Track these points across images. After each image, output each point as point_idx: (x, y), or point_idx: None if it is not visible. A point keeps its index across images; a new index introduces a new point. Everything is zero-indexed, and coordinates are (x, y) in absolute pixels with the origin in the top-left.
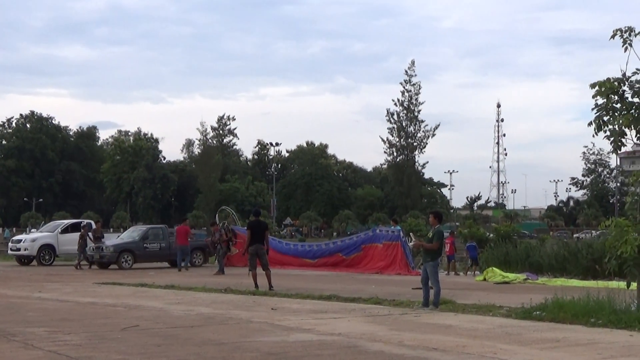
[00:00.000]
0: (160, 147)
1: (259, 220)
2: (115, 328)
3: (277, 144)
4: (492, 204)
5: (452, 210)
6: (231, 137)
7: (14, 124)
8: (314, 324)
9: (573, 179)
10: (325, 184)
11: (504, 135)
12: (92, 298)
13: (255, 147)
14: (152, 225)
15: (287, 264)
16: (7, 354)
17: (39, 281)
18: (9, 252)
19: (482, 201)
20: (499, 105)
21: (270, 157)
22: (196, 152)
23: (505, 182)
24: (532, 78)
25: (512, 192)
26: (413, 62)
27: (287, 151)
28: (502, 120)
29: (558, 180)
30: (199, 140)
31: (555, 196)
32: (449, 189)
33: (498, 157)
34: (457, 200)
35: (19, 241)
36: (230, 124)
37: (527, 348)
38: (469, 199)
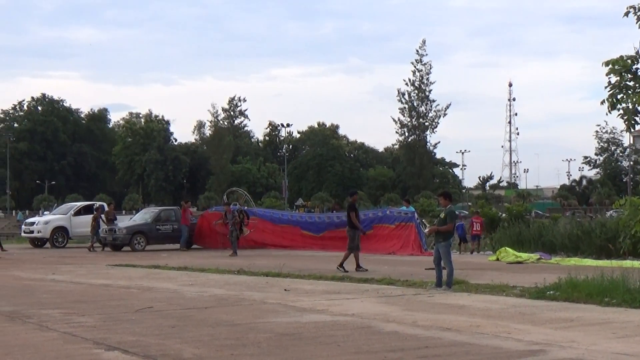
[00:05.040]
0: (171, 128)
1: (349, 201)
2: (129, 310)
3: (288, 125)
4: (504, 183)
5: (464, 190)
6: (242, 118)
7: (25, 107)
8: (327, 305)
9: (586, 157)
10: (336, 165)
11: (516, 114)
12: (106, 280)
13: (267, 129)
14: (164, 207)
15: (288, 238)
16: (22, 336)
17: (52, 263)
18: (23, 234)
19: (494, 181)
20: (510, 85)
21: (282, 138)
22: (207, 134)
23: (517, 161)
24: (544, 57)
25: (524, 172)
26: (424, 42)
27: (299, 132)
28: (514, 99)
29: (571, 159)
30: (210, 122)
31: (568, 175)
32: (461, 168)
33: (510, 137)
34: (469, 180)
35: (32, 224)
36: (241, 105)
37: (541, 328)
38: (481, 179)
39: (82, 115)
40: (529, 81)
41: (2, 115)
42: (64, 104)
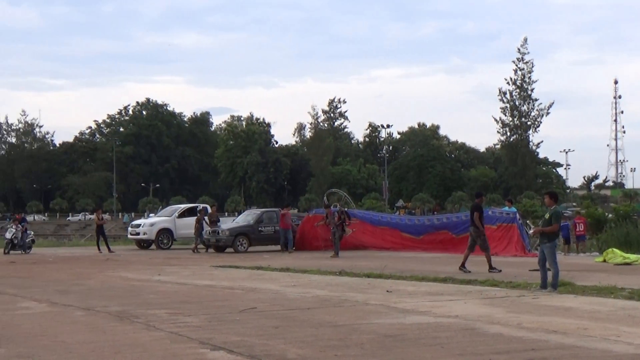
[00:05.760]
0: (272, 131)
1: (475, 202)
2: (233, 310)
3: (388, 126)
4: (610, 183)
5: (568, 191)
6: (342, 119)
7: (130, 112)
8: (430, 306)
9: None
10: (437, 166)
11: (622, 112)
12: (210, 281)
13: (367, 130)
14: (266, 209)
15: (388, 240)
16: (130, 335)
17: (158, 264)
18: (129, 236)
19: (599, 180)
20: (616, 82)
21: (382, 139)
22: (308, 136)
23: (623, 160)
24: None
25: (631, 171)
26: (525, 40)
27: (399, 133)
28: (620, 96)
29: None
30: (311, 124)
31: None
32: (565, 168)
33: (616, 135)
34: (574, 180)
35: (138, 226)
36: (341, 106)
37: None
38: (586, 179)
39: (185, 119)
40: (635, 78)
41: (108, 120)
42: (168, 108)
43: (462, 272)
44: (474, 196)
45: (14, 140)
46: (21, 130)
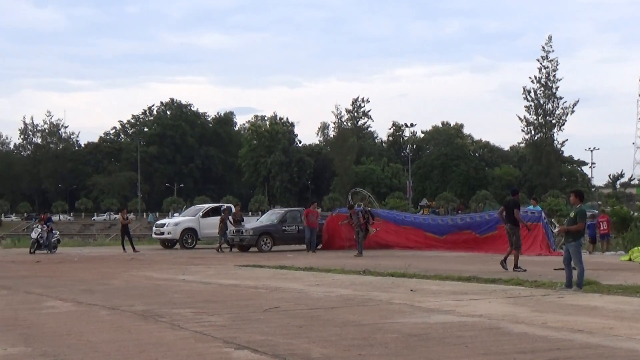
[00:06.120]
0: (295, 130)
1: (511, 199)
2: (257, 309)
3: (412, 125)
4: (635, 181)
5: (593, 189)
6: (366, 119)
7: (155, 112)
8: (454, 306)
9: None
10: (461, 164)
11: None
12: (234, 280)
13: (390, 129)
14: (290, 208)
15: (412, 239)
16: (155, 334)
17: (182, 264)
18: (153, 236)
19: (625, 179)
20: None
21: (405, 138)
22: (331, 135)
23: None
24: None
25: None
26: (550, 38)
27: (422, 132)
28: None
29: None
30: (334, 123)
31: None
32: (590, 167)
33: None
34: (599, 178)
35: (163, 225)
36: (364, 106)
37: None
38: (611, 177)
39: (209, 119)
40: None
41: (133, 120)
42: (192, 108)
43: (519, 271)
44: (509, 193)
45: (39, 140)
46: (47, 130)
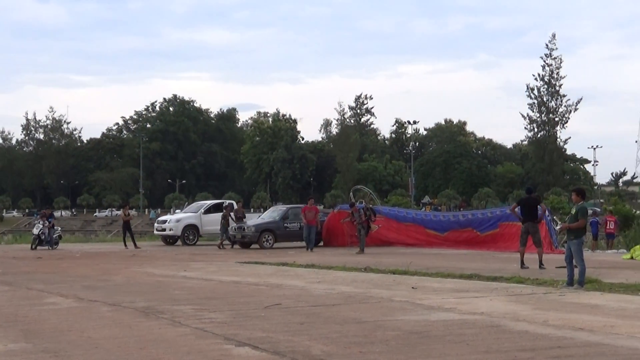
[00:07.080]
0: (298, 127)
1: (530, 196)
2: (258, 306)
3: (414, 122)
4: (638, 179)
5: (596, 187)
6: (368, 116)
7: (157, 108)
8: (455, 303)
9: None
10: (464, 162)
11: None
12: (235, 277)
13: (393, 126)
14: (292, 205)
15: (413, 236)
16: (156, 331)
17: (183, 260)
18: (155, 232)
19: (627, 177)
20: None
21: (408, 135)
22: (334, 132)
23: None
24: None
25: None
26: (554, 36)
27: (425, 129)
28: None
29: None
30: (337, 120)
31: None
32: (593, 165)
33: None
34: (602, 176)
35: (164, 222)
36: (367, 103)
37: None
38: (613, 175)
39: (212, 115)
40: None
41: (135, 117)
42: (194, 104)
43: (542, 269)
44: (525, 192)
45: (42, 136)
46: (49, 126)
